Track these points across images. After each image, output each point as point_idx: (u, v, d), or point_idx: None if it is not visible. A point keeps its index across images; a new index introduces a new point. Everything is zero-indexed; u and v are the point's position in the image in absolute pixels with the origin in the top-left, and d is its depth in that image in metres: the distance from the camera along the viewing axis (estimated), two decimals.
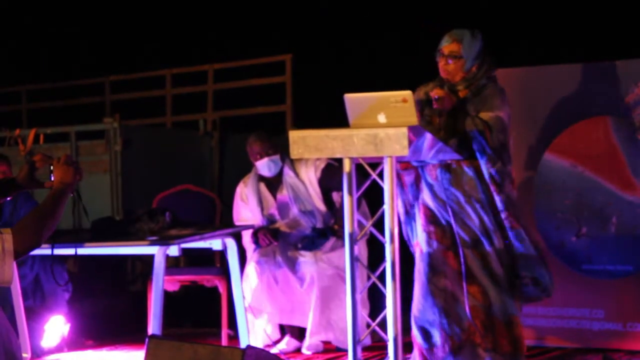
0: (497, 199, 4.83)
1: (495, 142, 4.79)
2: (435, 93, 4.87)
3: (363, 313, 5.56)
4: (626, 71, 5.80)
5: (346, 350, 4.80)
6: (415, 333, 4.98)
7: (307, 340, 6.11)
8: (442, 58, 4.96)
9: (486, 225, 4.87)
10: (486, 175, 4.81)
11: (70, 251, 4.91)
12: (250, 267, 6.07)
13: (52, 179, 3.40)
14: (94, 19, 11.16)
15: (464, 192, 4.87)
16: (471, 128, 4.80)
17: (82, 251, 4.93)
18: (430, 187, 4.94)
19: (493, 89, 4.95)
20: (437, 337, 4.93)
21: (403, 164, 4.99)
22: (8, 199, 3.63)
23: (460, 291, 4.92)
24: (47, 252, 4.10)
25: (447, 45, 4.94)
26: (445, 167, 4.89)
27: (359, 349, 4.37)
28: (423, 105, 4.97)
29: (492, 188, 4.82)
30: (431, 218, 4.98)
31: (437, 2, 8.94)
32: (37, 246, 3.29)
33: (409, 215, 5.07)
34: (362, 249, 5.93)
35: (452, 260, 4.93)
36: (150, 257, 4.90)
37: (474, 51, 4.93)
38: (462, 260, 4.89)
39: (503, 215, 4.85)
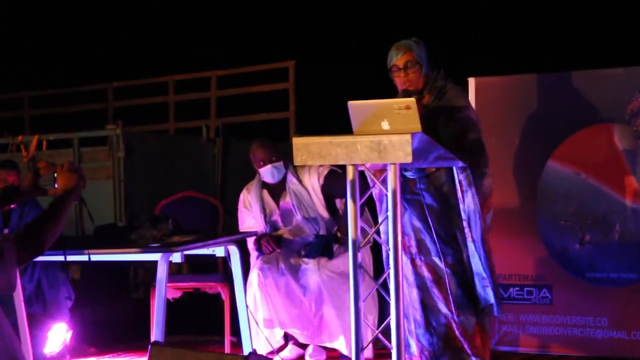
0: (461, 207, 4.74)
1: (469, 142, 4.76)
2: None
3: (368, 320, 5.55)
4: (630, 78, 5.80)
5: (349, 358, 4.78)
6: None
7: (310, 348, 6.11)
8: (399, 72, 4.95)
9: (455, 232, 4.80)
10: (455, 180, 4.74)
11: (82, 258, 4.90)
12: (254, 274, 6.05)
13: (56, 186, 3.40)
14: (97, 26, 11.17)
15: (441, 195, 4.81)
16: (445, 133, 4.76)
17: (90, 258, 4.92)
18: (403, 191, 4.85)
19: (453, 90, 4.95)
20: (413, 347, 4.93)
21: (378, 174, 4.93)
22: (12, 206, 3.63)
23: (432, 299, 4.90)
24: (55, 258, 4.10)
25: (400, 58, 4.94)
26: (422, 169, 4.84)
27: (362, 356, 4.36)
28: None
29: (459, 195, 4.74)
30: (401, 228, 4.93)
31: (441, 9, 8.94)
32: (41, 253, 3.28)
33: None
34: (365, 256, 5.91)
35: (420, 268, 4.90)
36: (153, 264, 4.88)
37: (424, 55, 4.97)
38: (432, 268, 4.87)
39: (464, 225, 4.75)
